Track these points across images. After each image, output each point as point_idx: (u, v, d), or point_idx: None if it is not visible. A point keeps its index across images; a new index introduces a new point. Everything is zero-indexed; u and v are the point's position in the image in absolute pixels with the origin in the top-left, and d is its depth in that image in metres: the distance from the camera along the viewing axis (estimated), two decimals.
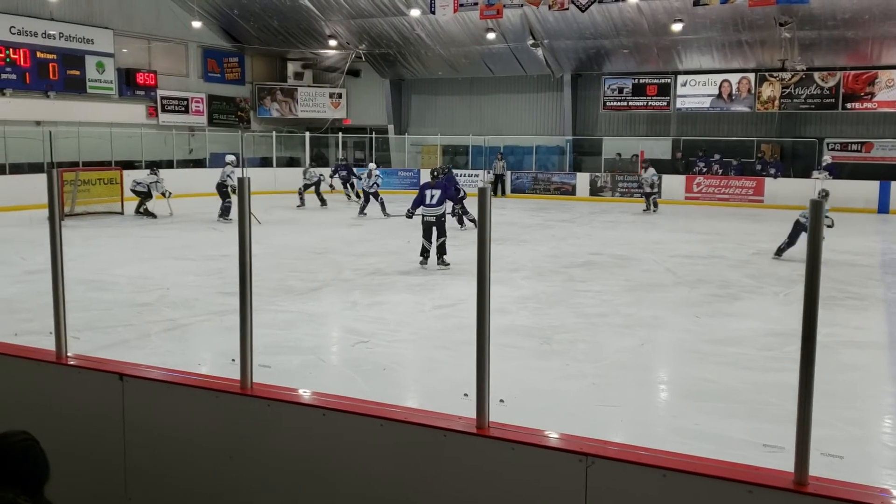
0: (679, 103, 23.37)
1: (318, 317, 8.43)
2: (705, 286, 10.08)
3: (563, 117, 25.34)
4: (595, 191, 23.91)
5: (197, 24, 23.87)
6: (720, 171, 22.77)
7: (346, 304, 8.92)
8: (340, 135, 27.17)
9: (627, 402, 5.79)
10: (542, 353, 6.95)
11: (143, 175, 17.77)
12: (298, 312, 8.42)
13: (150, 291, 9.39)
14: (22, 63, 20.17)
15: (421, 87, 27.70)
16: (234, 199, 15.47)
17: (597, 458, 2.55)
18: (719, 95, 22.83)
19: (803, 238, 11.30)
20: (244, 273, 3.10)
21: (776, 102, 22.14)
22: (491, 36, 22.94)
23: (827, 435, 4.75)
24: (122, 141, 22.20)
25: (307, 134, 26.72)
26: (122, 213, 17.88)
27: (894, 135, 21.58)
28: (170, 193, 17.04)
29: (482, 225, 2.73)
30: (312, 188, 20.15)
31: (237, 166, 16.90)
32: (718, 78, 22.77)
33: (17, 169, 19.44)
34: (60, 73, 21.09)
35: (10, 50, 19.91)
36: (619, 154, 24.39)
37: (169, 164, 23.29)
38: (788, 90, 21.91)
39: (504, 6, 20.48)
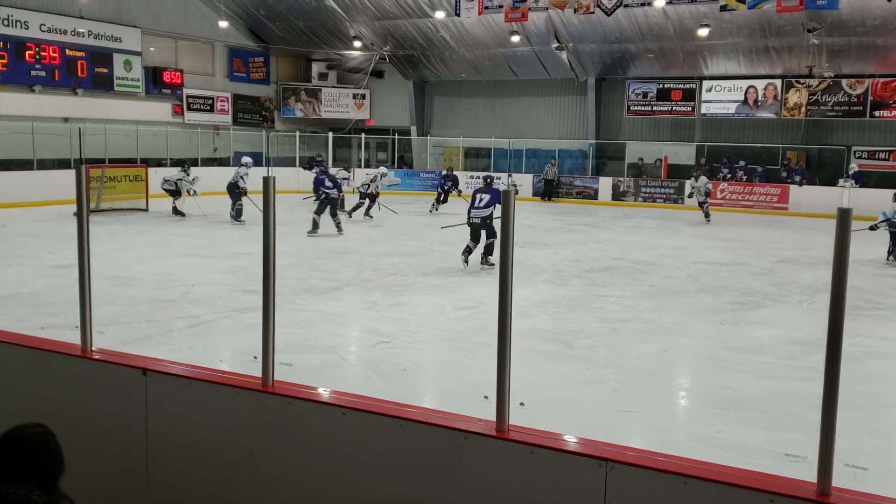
0: (704, 109, 23.20)
1: (338, 316, 8.46)
2: (728, 293, 9.99)
3: (586, 121, 25.25)
4: (617, 195, 23.80)
5: (223, 24, 24.07)
6: (745, 178, 22.56)
7: (367, 305, 8.95)
8: (363, 136, 27.29)
9: (648, 408, 5.75)
10: (562, 358, 6.93)
11: (173, 172, 17.95)
12: (319, 311, 8.46)
13: (174, 288, 9.47)
14: (51, 60, 20.44)
15: (444, 88, 27.73)
16: (245, 199, 15.64)
17: (616, 463, 2.54)
18: (745, 101, 22.63)
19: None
20: (267, 271, 3.12)
21: (803, 109, 21.92)
22: (515, 38, 22.91)
23: (850, 446, 4.69)
24: (147, 139, 22.44)
25: (330, 134, 26.85)
26: (146, 210, 18.05)
27: None
28: (195, 192, 17.11)
29: (505, 228, 2.73)
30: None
31: (251, 167, 16.41)
32: (744, 84, 22.57)
33: (44, 165, 19.71)
34: (89, 71, 21.35)
35: (40, 47, 20.19)
36: (642, 159, 24.27)
37: (193, 163, 23.44)
38: (815, 97, 21.68)
39: (529, 9, 20.44)
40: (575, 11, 20.08)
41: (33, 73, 20.10)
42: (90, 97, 21.51)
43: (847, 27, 19.45)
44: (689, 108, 23.41)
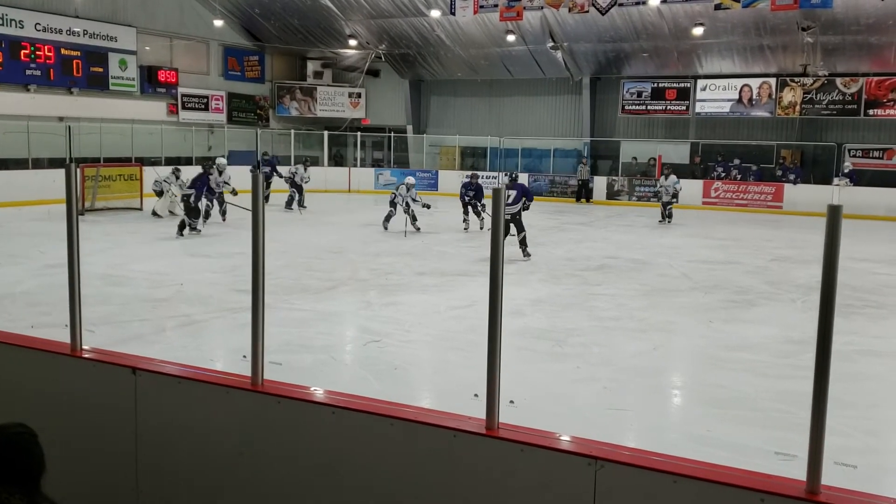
0: (698, 108, 23.22)
1: (332, 316, 8.45)
2: (721, 292, 10.00)
3: (581, 120, 25.27)
4: (612, 194, 23.81)
5: (218, 23, 24.00)
6: (739, 177, 22.59)
7: (361, 304, 8.94)
8: (359, 134, 27.26)
9: (640, 406, 5.75)
10: (554, 356, 6.93)
11: (165, 173, 17.90)
12: (313, 311, 8.44)
13: (167, 287, 9.45)
14: (46, 60, 20.38)
15: (440, 88, 27.72)
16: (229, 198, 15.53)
17: (606, 461, 2.53)
18: (739, 100, 22.66)
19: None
20: (257, 268, 3.11)
21: (797, 108, 21.95)
22: (510, 38, 22.90)
23: (841, 444, 4.70)
24: (142, 138, 22.39)
25: (325, 133, 26.82)
26: (141, 210, 18.01)
27: None
28: (174, 196, 16.91)
29: (495, 225, 2.73)
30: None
31: (223, 169, 15.94)
32: (739, 82, 22.60)
33: (39, 164, 19.66)
34: (84, 70, 21.28)
35: (36, 46, 20.12)
36: (636, 158, 24.29)
37: (188, 161, 23.42)
38: (810, 95, 21.72)
39: (524, 8, 20.44)
40: (570, 10, 20.09)
41: (28, 72, 20.04)
42: (85, 96, 21.44)
43: (841, 26, 19.48)
44: (684, 107, 23.43)
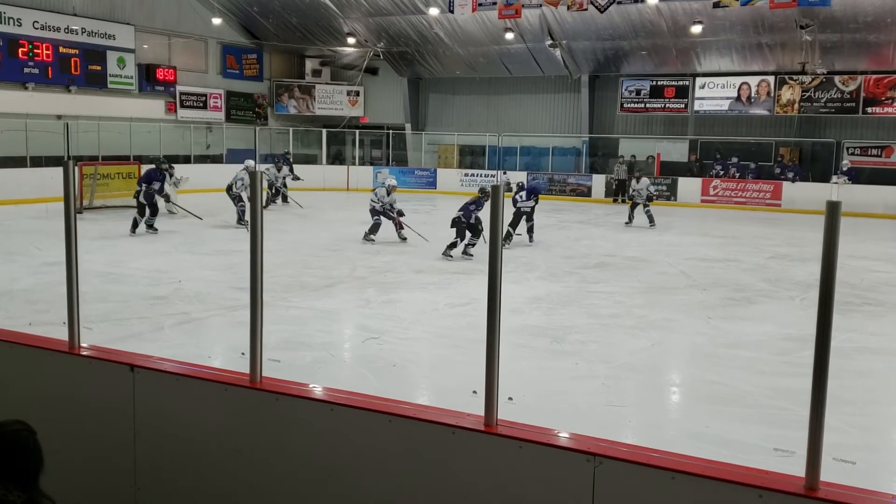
0: (697, 106, 23.22)
1: (331, 313, 8.45)
2: (720, 289, 10.01)
3: (579, 118, 25.26)
4: (611, 193, 23.81)
5: (217, 21, 23.99)
6: (737, 175, 22.60)
7: (360, 302, 8.93)
8: (357, 132, 27.24)
9: (638, 403, 5.76)
10: (553, 353, 6.93)
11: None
12: (311, 309, 8.44)
13: (165, 285, 9.44)
14: (44, 58, 20.35)
15: (438, 86, 27.71)
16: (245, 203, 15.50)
17: (605, 458, 2.53)
18: (738, 98, 22.66)
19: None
20: (255, 266, 3.11)
21: (796, 106, 21.95)
22: (509, 36, 22.88)
23: (840, 441, 4.70)
24: (141, 136, 22.35)
25: (324, 131, 26.80)
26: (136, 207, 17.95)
27: None
28: (166, 196, 16.86)
29: (494, 224, 2.72)
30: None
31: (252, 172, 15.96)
32: (737, 80, 22.60)
33: (38, 162, 19.62)
34: (82, 68, 21.26)
35: (34, 44, 20.10)
36: (634, 156, 24.27)
37: (186, 160, 23.42)
38: (808, 93, 21.72)
39: (523, 6, 20.43)
40: (568, 8, 20.09)
41: (26, 70, 20.01)
42: (83, 94, 21.41)
43: (839, 24, 19.49)
44: (683, 105, 23.43)
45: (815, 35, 20.00)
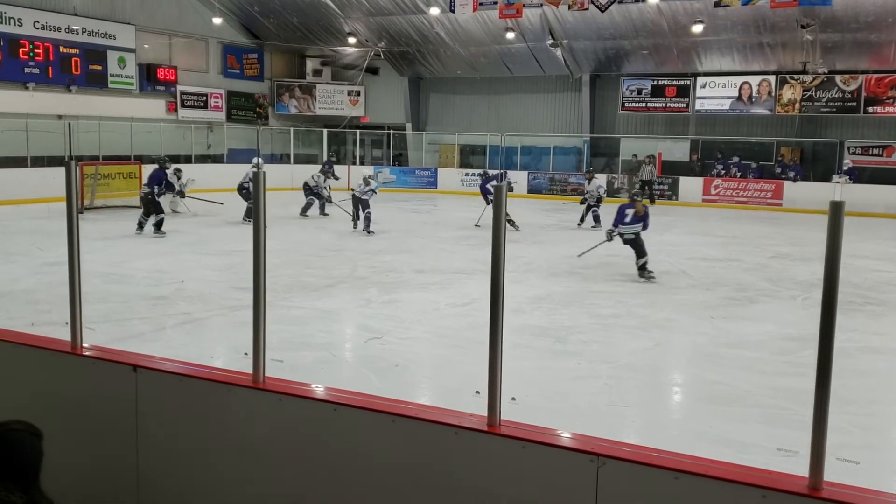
0: (698, 105, 23.22)
1: (332, 313, 8.45)
2: (721, 289, 10.00)
3: (580, 118, 25.25)
4: (611, 192, 23.78)
5: (217, 21, 23.98)
6: (738, 174, 22.59)
7: (361, 302, 8.93)
8: (358, 132, 27.24)
9: (640, 403, 5.76)
10: (555, 353, 6.93)
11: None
12: (312, 309, 8.44)
13: (166, 285, 9.45)
14: (45, 57, 20.36)
15: (439, 85, 27.70)
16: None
17: (608, 458, 2.53)
18: (739, 97, 22.65)
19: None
20: (258, 265, 3.10)
21: (797, 105, 21.94)
22: (510, 35, 22.88)
23: (842, 441, 4.69)
24: (141, 136, 22.35)
25: (325, 130, 26.80)
26: (140, 207, 17.96)
27: None
28: (180, 195, 17.00)
29: (497, 223, 2.72)
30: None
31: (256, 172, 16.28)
32: (738, 80, 22.60)
33: (38, 162, 19.63)
34: (82, 68, 21.26)
35: (34, 44, 20.10)
36: (636, 156, 24.27)
37: (187, 160, 23.43)
38: (809, 93, 21.71)
39: (524, 6, 20.41)
40: (569, 8, 20.07)
41: (27, 70, 20.02)
42: (84, 94, 21.42)
43: (841, 23, 19.47)
44: (684, 105, 23.42)
45: (817, 34, 19.98)
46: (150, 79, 23.17)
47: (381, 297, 9.11)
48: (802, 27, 19.74)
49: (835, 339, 2.32)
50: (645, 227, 11.11)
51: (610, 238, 11.32)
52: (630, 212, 11.28)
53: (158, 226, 13.91)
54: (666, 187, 22.96)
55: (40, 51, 20.24)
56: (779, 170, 22.31)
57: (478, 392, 3.34)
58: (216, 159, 24.74)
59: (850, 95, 21.25)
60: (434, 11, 22.46)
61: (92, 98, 21.61)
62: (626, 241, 11.15)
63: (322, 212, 17.31)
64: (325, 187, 17.55)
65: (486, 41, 24.00)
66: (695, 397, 6.11)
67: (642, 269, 10.84)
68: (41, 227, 13.95)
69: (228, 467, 3.18)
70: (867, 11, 18.81)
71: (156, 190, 14.06)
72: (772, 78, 22.11)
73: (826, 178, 20.97)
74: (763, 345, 7.32)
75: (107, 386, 3.42)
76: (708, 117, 23.59)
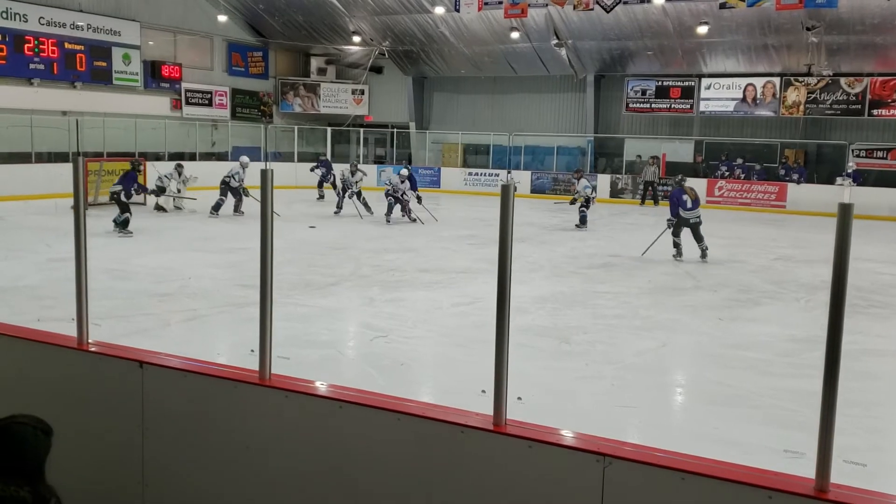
0: (703, 106, 23.20)
1: (336, 312, 8.46)
2: (725, 290, 10.00)
3: (585, 118, 25.24)
4: (615, 192, 23.78)
5: (222, 18, 24.01)
6: (742, 176, 22.57)
7: (365, 300, 8.94)
8: (361, 131, 27.25)
9: (645, 404, 5.75)
10: (559, 354, 6.93)
11: (167, 169, 17.97)
12: (316, 307, 8.45)
13: (171, 282, 9.46)
14: (50, 53, 20.38)
15: (443, 84, 27.70)
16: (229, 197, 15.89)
17: (614, 458, 2.53)
18: (743, 99, 22.63)
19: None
20: (265, 263, 3.11)
21: (801, 107, 21.92)
22: (515, 35, 22.87)
23: (847, 443, 4.68)
24: (146, 133, 22.38)
25: (328, 129, 26.81)
26: (144, 204, 18.01)
27: None
28: (178, 191, 17.22)
29: (504, 223, 2.71)
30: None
31: (246, 166, 16.64)
32: (743, 81, 22.57)
33: (42, 158, 19.67)
34: (87, 64, 21.29)
35: (39, 40, 20.13)
36: (640, 156, 24.25)
37: (192, 157, 23.47)
38: (814, 95, 21.68)
39: (529, 5, 20.41)
40: (574, 8, 20.06)
41: (32, 66, 20.04)
42: (89, 91, 21.45)
43: (846, 25, 19.44)
44: (688, 106, 23.40)
45: (822, 37, 19.95)
46: (154, 76, 23.19)
47: (384, 296, 9.12)
48: (807, 29, 19.71)
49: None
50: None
51: (670, 227, 12.21)
52: (687, 197, 12.07)
53: (124, 224, 13.57)
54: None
55: (45, 47, 20.27)
56: (783, 172, 22.29)
57: (483, 391, 3.34)
58: (220, 157, 24.76)
59: (854, 98, 21.22)
60: (439, 10, 22.46)
61: (96, 94, 21.64)
62: (691, 226, 12.02)
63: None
64: (353, 182, 17.85)
65: (491, 41, 23.99)
66: (699, 398, 6.11)
67: (704, 253, 12.02)
68: (46, 223, 13.98)
69: (234, 463, 3.19)
70: (873, 14, 18.78)
71: (127, 189, 13.93)
72: (776, 80, 22.08)
73: (830, 180, 20.94)
74: (767, 346, 7.31)
75: (113, 381, 3.43)
76: (712, 119, 23.57)
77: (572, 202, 17.20)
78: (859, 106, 21.19)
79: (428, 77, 27.68)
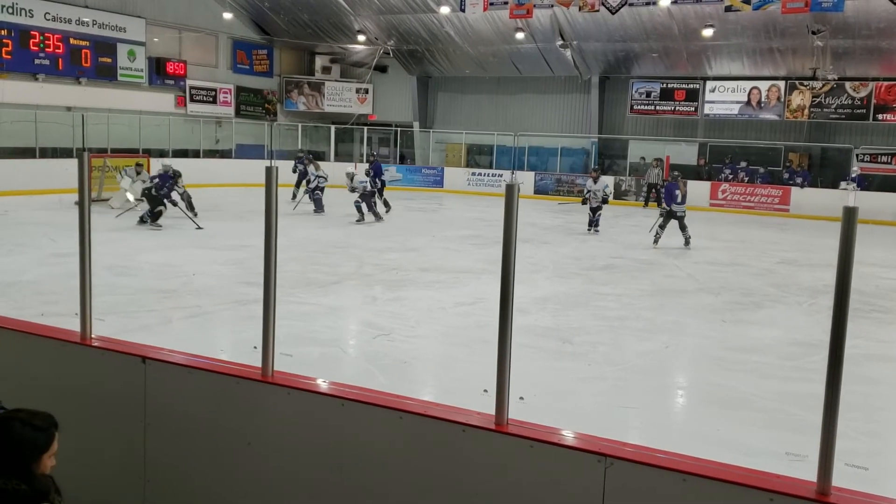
0: (707, 109, 23.18)
1: (338, 310, 8.46)
2: (728, 293, 9.99)
3: (589, 120, 25.22)
4: (619, 194, 23.76)
5: (228, 16, 24.03)
6: (746, 179, 22.54)
7: (367, 299, 8.95)
8: (365, 129, 27.26)
9: (647, 405, 5.75)
10: (561, 354, 6.93)
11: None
12: (319, 305, 8.45)
13: (174, 278, 9.47)
14: (55, 49, 20.41)
15: (448, 84, 27.70)
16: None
17: (616, 459, 2.53)
18: (748, 102, 22.61)
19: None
20: (269, 260, 3.12)
21: (806, 111, 21.89)
22: (520, 35, 22.87)
23: (848, 447, 4.68)
24: (150, 129, 22.42)
25: (332, 127, 26.82)
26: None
27: None
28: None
29: (508, 224, 2.72)
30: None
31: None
32: (748, 85, 22.55)
33: (46, 153, 19.70)
34: (92, 60, 21.31)
35: (45, 36, 20.16)
36: (643, 158, 24.24)
37: (195, 154, 23.50)
38: (819, 99, 21.66)
39: (534, 6, 20.41)
40: (580, 9, 20.05)
41: (37, 61, 20.07)
42: (93, 86, 21.47)
43: (852, 30, 19.41)
44: (693, 109, 23.39)
45: (827, 41, 19.92)
46: (159, 72, 23.21)
47: (386, 295, 9.12)
48: (813, 33, 19.68)
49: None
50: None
51: (662, 215, 13.99)
52: (679, 192, 13.56)
53: (156, 217, 14.01)
54: None
55: (50, 42, 20.29)
56: (786, 175, 22.26)
57: (486, 391, 3.34)
58: (224, 154, 24.78)
59: (859, 102, 21.19)
60: (444, 10, 22.45)
61: (101, 90, 21.66)
62: (678, 218, 13.66)
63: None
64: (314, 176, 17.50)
65: (496, 41, 23.99)
66: (701, 400, 6.11)
67: (688, 241, 13.68)
68: (49, 218, 14.00)
69: (235, 459, 3.20)
70: (879, 18, 18.74)
71: (159, 187, 14.10)
72: (781, 83, 22.06)
73: (834, 184, 20.92)
74: (769, 349, 7.31)
75: (116, 377, 3.44)
76: (716, 121, 23.55)
77: (583, 202, 16.87)
78: (864, 110, 21.16)
79: (432, 77, 27.69)
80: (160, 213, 14.14)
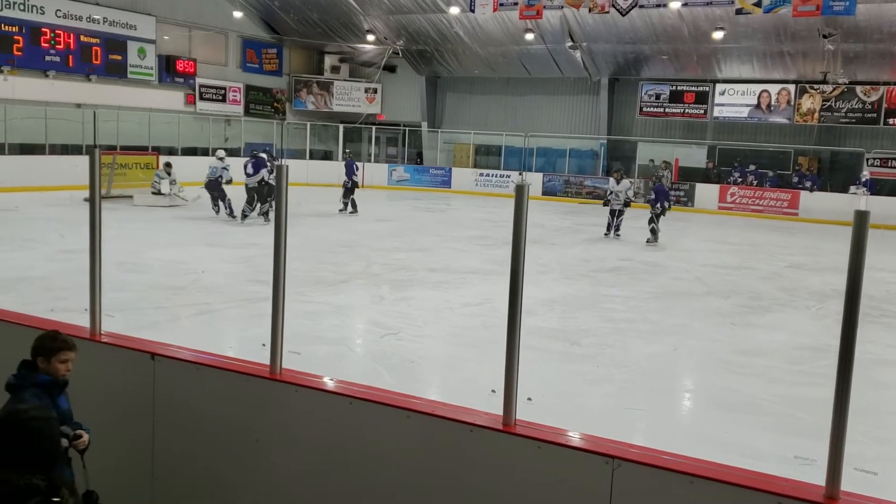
0: (716, 112, 23.13)
1: (345, 309, 8.47)
2: (736, 297, 9.96)
3: (598, 121, 25.18)
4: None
5: (238, 15, 24.10)
6: (755, 182, 22.47)
7: (374, 298, 8.95)
8: (374, 129, 27.29)
9: (654, 408, 5.74)
10: (568, 356, 6.92)
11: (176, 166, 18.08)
12: (326, 304, 8.46)
13: (183, 276, 9.50)
14: (66, 46, 20.51)
15: (456, 85, 27.70)
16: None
17: (623, 460, 2.53)
18: (758, 106, 22.54)
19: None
20: (278, 258, 3.13)
21: (816, 115, 21.81)
22: (529, 36, 22.86)
23: (857, 451, 4.65)
24: (159, 127, 22.50)
25: (341, 126, 26.85)
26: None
27: None
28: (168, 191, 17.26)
29: (517, 225, 2.72)
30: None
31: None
32: (758, 88, 22.49)
33: (55, 150, 19.78)
34: (103, 58, 21.41)
35: (55, 33, 20.25)
36: (652, 160, 24.17)
37: (204, 152, 23.54)
38: (829, 103, 21.57)
39: (544, 7, 20.39)
40: (590, 11, 20.04)
41: (48, 58, 20.16)
42: (104, 84, 21.56)
43: (863, 34, 19.33)
44: (702, 111, 23.33)
45: (838, 44, 19.85)
46: (169, 70, 23.30)
47: (394, 295, 9.13)
48: (824, 37, 19.60)
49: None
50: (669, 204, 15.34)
51: (663, 213, 14.87)
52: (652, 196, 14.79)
53: (267, 214, 14.58)
54: (682, 193, 22.83)
55: (61, 39, 20.39)
56: (796, 179, 22.17)
57: (493, 391, 3.35)
58: (233, 153, 24.81)
59: (870, 107, 21.10)
60: (454, 11, 22.46)
61: (111, 88, 21.75)
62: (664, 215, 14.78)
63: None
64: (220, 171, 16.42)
65: (505, 42, 23.98)
66: (709, 403, 6.10)
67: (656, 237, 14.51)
68: (59, 214, 14.06)
69: (243, 456, 3.20)
70: (890, 22, 18.67)
71: (265, 177, 14.56)
72: (791, 87, 21.99)
73: (843, 189, 20.83)
74: (777, 353, 7.28)
75: (125, 373, 3.45)
76: (726, 124, 23.49)
77: (605, 204, 16.26)
78: (875, 115, 21.08)
79: (441, 77, 27.69)
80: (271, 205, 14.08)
